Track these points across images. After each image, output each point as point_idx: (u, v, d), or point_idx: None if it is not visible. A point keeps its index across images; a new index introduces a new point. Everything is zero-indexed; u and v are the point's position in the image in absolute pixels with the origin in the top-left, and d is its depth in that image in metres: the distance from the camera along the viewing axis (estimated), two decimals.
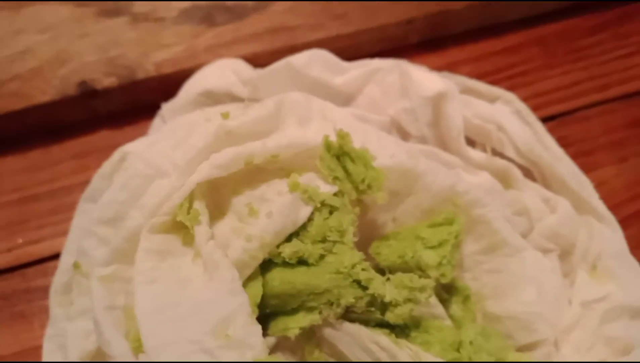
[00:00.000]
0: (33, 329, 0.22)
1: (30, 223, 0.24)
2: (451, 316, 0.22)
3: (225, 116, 0.21)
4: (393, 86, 0.26)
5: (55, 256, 0.23)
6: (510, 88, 0.30)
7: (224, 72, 0.25)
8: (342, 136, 0.20)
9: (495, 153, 0.25)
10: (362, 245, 0.22)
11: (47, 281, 0.23)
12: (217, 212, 0.19)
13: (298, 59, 0.25)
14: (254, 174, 0.20)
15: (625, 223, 0.26)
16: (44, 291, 0.23)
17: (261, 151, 0.19)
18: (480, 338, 0.20)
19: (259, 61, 0.28)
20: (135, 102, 0.27)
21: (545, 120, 0.30)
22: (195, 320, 0.15)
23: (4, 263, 0.23)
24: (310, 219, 0.19)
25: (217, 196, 0.19)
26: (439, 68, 0.31)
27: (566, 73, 0.32)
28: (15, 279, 0.23)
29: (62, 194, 0.25)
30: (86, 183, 0.25)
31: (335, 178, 0.20)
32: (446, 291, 0.22)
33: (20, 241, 0.24)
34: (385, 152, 0.21)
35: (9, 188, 0.25)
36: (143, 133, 0.27)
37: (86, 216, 0.21)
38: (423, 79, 0.25)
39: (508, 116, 0.25)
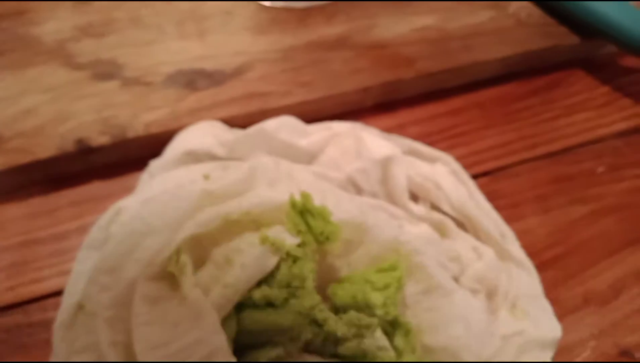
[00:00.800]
0: (34, 360, 0.25)
1: (31, 264, 0.27)
2: (394, 348, 0.26)
3: (206, 177, 0.26)
4: (349, 149, 0.30)
5: (54, 294, 0.27)
6: (452, 146, 0.35)
7: (204, 135, 0.29)
8: (305, 196, 0.24)
9: (434, 207, 0.30)
10: (322, 285, 0.26)
11: (46, 316, 0.26)
12: (199, 261, 0.23)
13: (269, 125, 0.29)
14: (230, 228, 0.24)
15: (545, 265, 0.31)
16: (44, 325, 0.26)
17: (237, 210, 0.23)
18: None
19: (235, 122, 0.32)
20: (125, 157, 0.31)
21: (481, 175, 0.34)
22: (184, 355, 0.19)
23: (7, 300, 0.26)
24: (277, 267, 0.23)
25: (199, 247, 0.23)
26: (390, 128, 0.36)
27: (501, 133, 0.36)
28: (17, 315, 0.26)
29: (60, 238, 0.28)
30: (82, 228, 0.29)
31: (299, 231, 0.24)
32: (391, 326, 0.26)
33: (22, 280, 0.27)
34: (341, 208, 0.26)
35: (11, 232, 0.28)
36: (132, 184, 0.30)
37: (87, 262, 0.24)
38: (374, 144, 0.30)
39: (445, 176, 0.30)
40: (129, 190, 0.30)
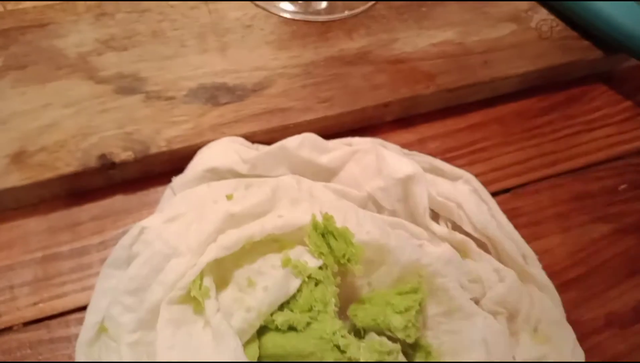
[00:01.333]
0: None
1: (53, 279, 0.28)
2: None
3: (229, 197, 0.26)
4: (370, 166, 0.30)
5: (76, 310, 0.27)
6: (472, 162, 0.35)
7: (227, 152, 0.29)
8: (327, 218, 0.25)
9: (456, 227, 0.29)
10: (343, 305, 0.26)
11: (69, 332, 0.26)
12: (221, 283, 0.23)
13: (290, 142, 0.29)
14: (252, 248, 0.24)
15: (565, 286, 0.31)
16: (67, 341, 0.26)
17: (260, 233, 0.23)
18: None
19: (256, 138, 0.32)
20: (147, 172, 0.31)
21: (501, 192, 0.34)
22: None
23: (31, 315, 0.27)
24: (299, 290, 0.23)
25: (222, 269, 0.23)
26: (410, 143, 0.35)
27: (521, 149, 0.36)
28: (41, 330, 0.26)
29: (81, 253, 0.29)
30: (104, 243, 0.29)
31: (321, 253, 0.24)
32: (411, 348, 0.26)
33: (44, 296, 0.27)
34: (362, 229, 0.26)
35: (34, 247, 0.29)
36: (154, 198, 0.31)
37: (109, 281, 0.24)
38: (395, 162, 0.29)
39: (467, 195, 0.30)
40: (151, 205, 0.31)
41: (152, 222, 0.25)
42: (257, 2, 0.38)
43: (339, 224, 0.25)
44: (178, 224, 0.24)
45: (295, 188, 0.26)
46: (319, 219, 0.25)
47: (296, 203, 0.26)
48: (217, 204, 0.25)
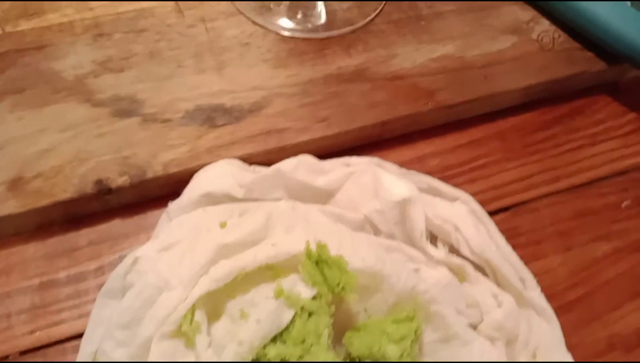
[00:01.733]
0: None
1: (50, 307, 0.28)
2: None
3: (223, 225, 0.26)
4: (367, 187, 0.30)
5: (73, 338, 0.27)
6: (472, 180, 0.35)
7: (223, 176, 0.29)
8: (321, 246, 0.24)
9: (453, 249, 0.29)
10: (339, 331, 0.25)
11: (65, 360, 0.27)
12: (214, 314, 0.23)
13: (286, 165, 0.29)
14: (245, 278, 0.24)
15: (567, 307, 0.31)
16: None
17: (252, 263, 0.23)
18: None
19: (253, 159, 0.32)
20: (144, 197, 0.31)
21: (501, 211, 0.34)
22: None
23: (28, 344, 0.27)
24: (292, 321, 0.23)
25: (214, 300, 0.23)
26: (409, 161, 0.35)
27: (521, 166, 0.36)
28: (37, 358, 0.26)
29: (78, 279, 0.29)
30: (100, 269, 0.29)
31: (314, 282, 0.24)
32: None
33: (41, 323, 0.27)
34: (358, 256, 0.26)
35: (31, 273, 0.29)
36: (152, 222, 0.30)
37: (104, 310, 0.24)
38: (391, 184, 0.29)
39: (465, 217, 0.29)
40: (148, 229, 0.30)
41: (146, 251, 0.25)
42: (255, 20, 0.38)
43: (333, 250, 0.25)
44: (172, 255, 0.24)
45: (290, 214, 0.26)
46: (313, 247, 0.24)
47: (290, 229, 0.26)
48: (210, 233, 0.25)
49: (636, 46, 0.37)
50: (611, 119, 0.39)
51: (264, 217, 0.25)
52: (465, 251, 0.29)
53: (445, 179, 0.33)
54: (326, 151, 0.33)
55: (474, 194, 0.31)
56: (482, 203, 0.31)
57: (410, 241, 0.29)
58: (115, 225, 0.31)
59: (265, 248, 0.24)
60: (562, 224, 0.34)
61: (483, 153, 0.36)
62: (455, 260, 0.28)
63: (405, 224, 0.29)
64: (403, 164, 0.33)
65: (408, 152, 0.36)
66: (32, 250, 0.29)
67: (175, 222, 0.27)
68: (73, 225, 0.30)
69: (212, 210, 0.27)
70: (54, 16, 0.37)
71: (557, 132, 0.38)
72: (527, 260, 0.30)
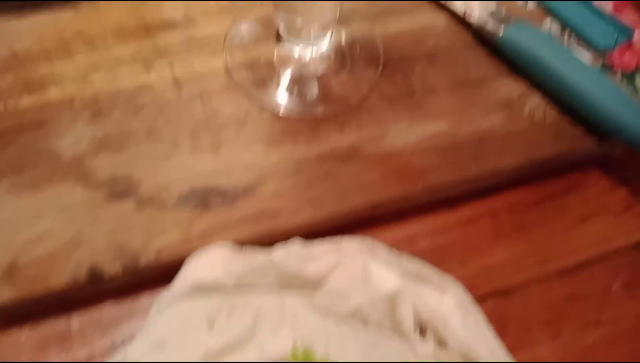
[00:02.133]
0: None
1: None
2: None
3: (210, 325, 0.26)
4: (356, 277, 0.30)
5: None
6: (462, 262, 0.35)
7: (213, 265, 0.29)
8: (307, 353, 0.25)
9: (441, 342, 0.29)
10: None
11: None
12: None
13: (277, 255, 0.30)
14: None
15: None
16: None
17: None
18: None
19: (245, 243, 0.32)
20: (136, 283, 0.31)
21: (490, 295, 0.34)
22: None
23: None
24: None
25: None
26: (401, 241, 0.36)
27: (511, 247, 0.36)
28: None
29: None
30: (91, 357, 0.30)
31: None
32: None
33: None
34: (345, 354, 0.26)
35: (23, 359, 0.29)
36: (144, 305, 0.31)
37: None
38: (381, 275, 0.30)
39: (453, 311, 0.29)
40: (140, 313, 0.31)
41: (135, 349, 0.25)
42: (252, 96, 0.39)
43: (320, 349, 0.25)
44: (160, 358, 0.24)
45: (278, 313, 0.27)
46: (300, 351, 0.25)
47: (278, 328, 0.26)
48: (198, 336, 0.25)
49: (624, 126, 0.38)
50: (602, 196, 0.39)
51: (252, 317, 0.26)
52: (453, 344, 0.29)
53: (437, 261, 0.33)
54: (318, 230, 0.34)
55: (464, 278, 0.32)
56: (473, 287, 0.31)
57: (400, 332, 0.29)
58: (108, 309, 0.31)
59: (251, 352, 0.24)
60: (552, 309, 0.34)
61: (473, 232, 0.36)
62: (443, 355, 0.28)
63: (394, 316, 0.29)
64: (394, 244, 0.34)
65: (399, 231, 0.36)
66: (24, 337, 0.30)
67: (165, 317, 0.27)
68: (65, 310, 0.31)
69: (201, 305, 0.28)
70: (55, 91, 0.38)
71: (548, 209, 0.38)
72: (517, 348, 0.30)
